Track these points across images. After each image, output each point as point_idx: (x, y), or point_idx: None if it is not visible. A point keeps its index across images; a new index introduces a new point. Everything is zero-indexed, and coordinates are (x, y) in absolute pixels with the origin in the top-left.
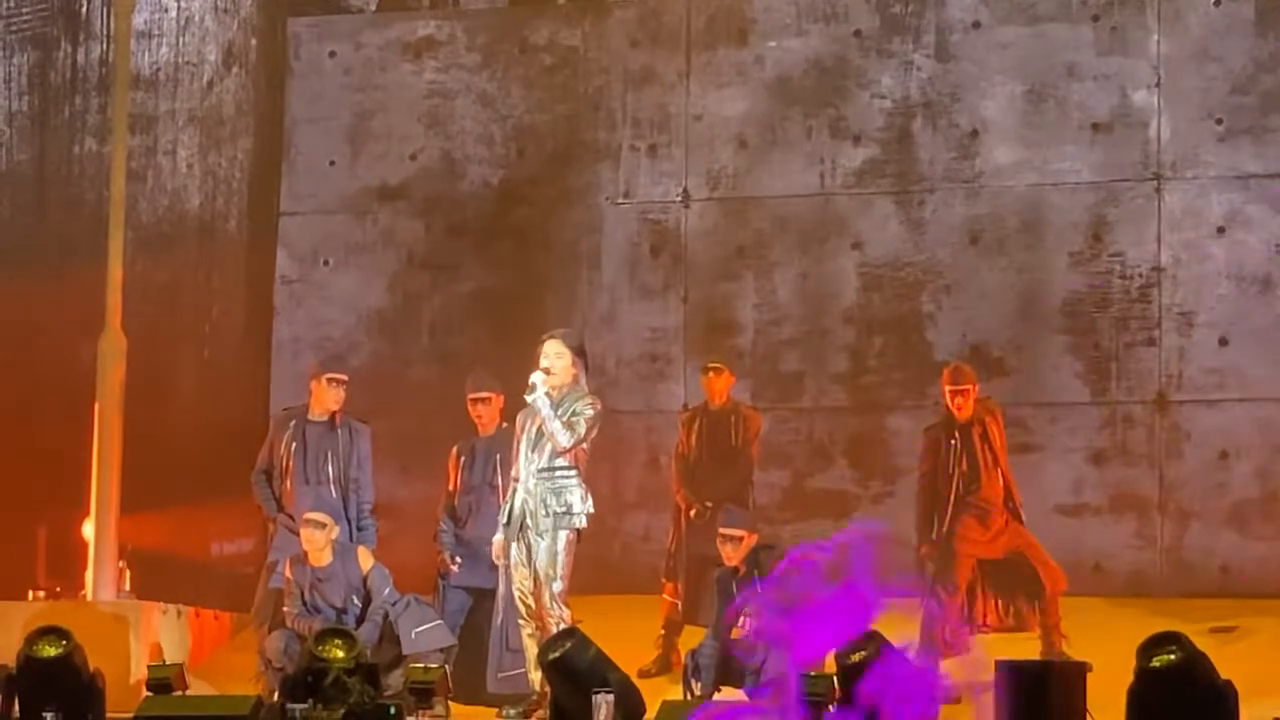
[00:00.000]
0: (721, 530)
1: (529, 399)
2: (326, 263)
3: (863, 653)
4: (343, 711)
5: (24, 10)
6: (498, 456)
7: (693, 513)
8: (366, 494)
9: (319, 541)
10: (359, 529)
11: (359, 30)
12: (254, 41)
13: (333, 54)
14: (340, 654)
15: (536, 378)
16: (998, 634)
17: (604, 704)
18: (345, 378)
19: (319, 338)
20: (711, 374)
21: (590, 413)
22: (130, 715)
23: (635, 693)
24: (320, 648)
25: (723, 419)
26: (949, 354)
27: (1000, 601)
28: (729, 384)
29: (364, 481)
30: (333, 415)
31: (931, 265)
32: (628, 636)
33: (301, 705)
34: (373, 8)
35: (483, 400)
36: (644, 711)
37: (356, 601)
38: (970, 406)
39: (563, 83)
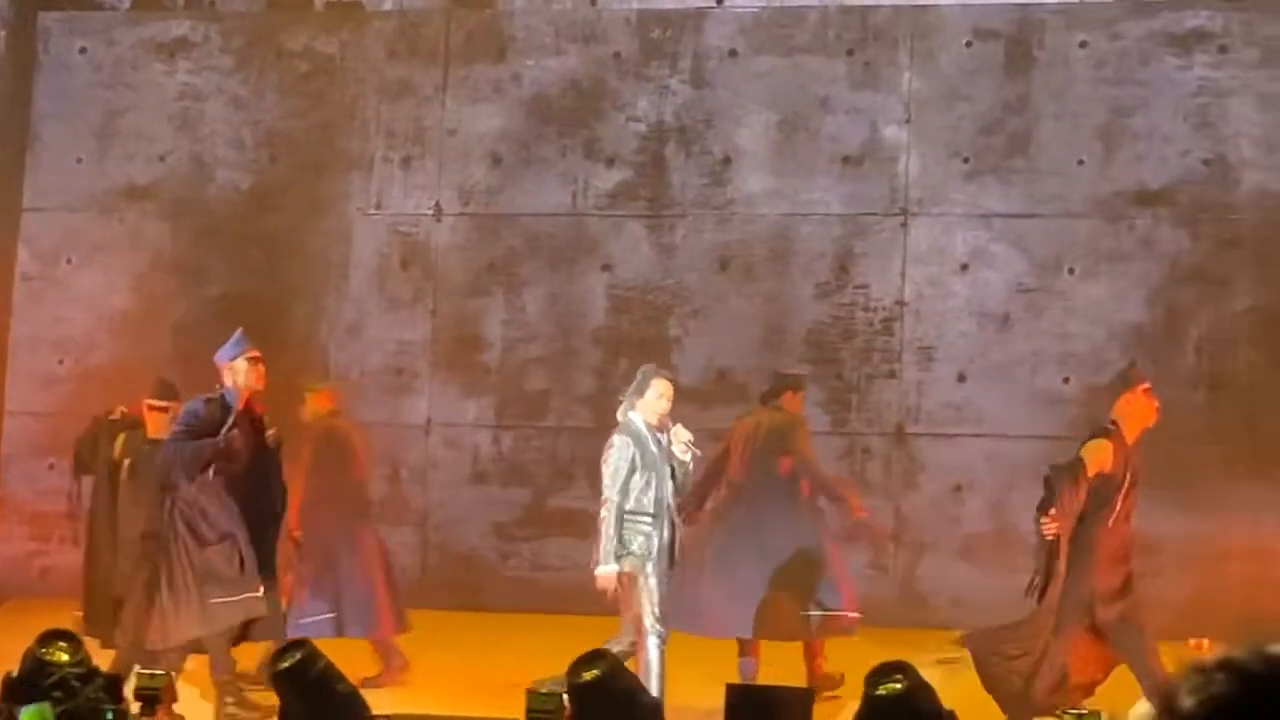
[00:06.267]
0: None
1: (687, 459)
2: (69, 261)
3: (594, 671)
4: (60, 710)
5: None
6: None
7: None
8: None
9: None
10: None
11: (112, 27)
12: (2, 33)
13: (84, 50)
14: (65, 656)
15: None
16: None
17: None
18: None
19: (58, 336)
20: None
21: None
22: None
23: (360, 703)
24: (43, 650)
25: None
26: (694, 378)
27: None
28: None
29: None
30: None
31: (680, 290)
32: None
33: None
34: (126, 5)
35: (160, 409)
36: None
37: None
38: None
39: (318, 90)
